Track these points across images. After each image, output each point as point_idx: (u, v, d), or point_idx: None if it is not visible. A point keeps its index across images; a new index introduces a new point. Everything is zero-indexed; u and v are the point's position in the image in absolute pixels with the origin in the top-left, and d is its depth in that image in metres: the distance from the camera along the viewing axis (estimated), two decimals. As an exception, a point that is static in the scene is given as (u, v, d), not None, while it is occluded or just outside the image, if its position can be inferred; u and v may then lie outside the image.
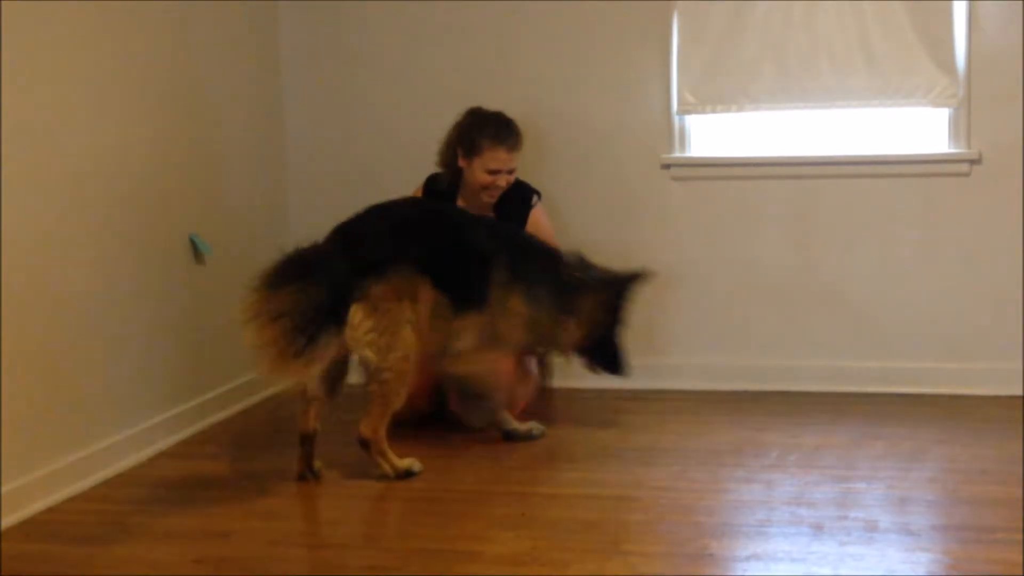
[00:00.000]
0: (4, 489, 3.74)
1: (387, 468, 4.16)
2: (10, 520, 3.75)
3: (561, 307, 4.43)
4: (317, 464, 4.23)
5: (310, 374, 4.03)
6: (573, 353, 4.56)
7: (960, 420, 4.67)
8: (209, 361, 4.88)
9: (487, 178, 4.84)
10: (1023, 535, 3.45)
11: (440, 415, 4.81)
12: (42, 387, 3.94)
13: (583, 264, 4.52)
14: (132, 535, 3.68)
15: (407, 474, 4.17)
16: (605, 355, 4.55)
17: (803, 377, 5.13)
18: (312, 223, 5.50)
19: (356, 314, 4.07)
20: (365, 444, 4.15)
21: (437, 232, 4.35)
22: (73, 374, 4.09)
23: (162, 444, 4.52)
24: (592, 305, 4.46)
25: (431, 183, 5.04)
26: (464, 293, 4.29)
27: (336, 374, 4.21)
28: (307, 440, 4.21)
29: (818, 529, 3.60)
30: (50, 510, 3.89)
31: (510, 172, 4.87)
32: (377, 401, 4.13)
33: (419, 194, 5.05)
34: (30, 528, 3.76)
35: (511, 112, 4.98)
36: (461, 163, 4.88)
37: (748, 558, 3.40)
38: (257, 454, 4.47)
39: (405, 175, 5.26)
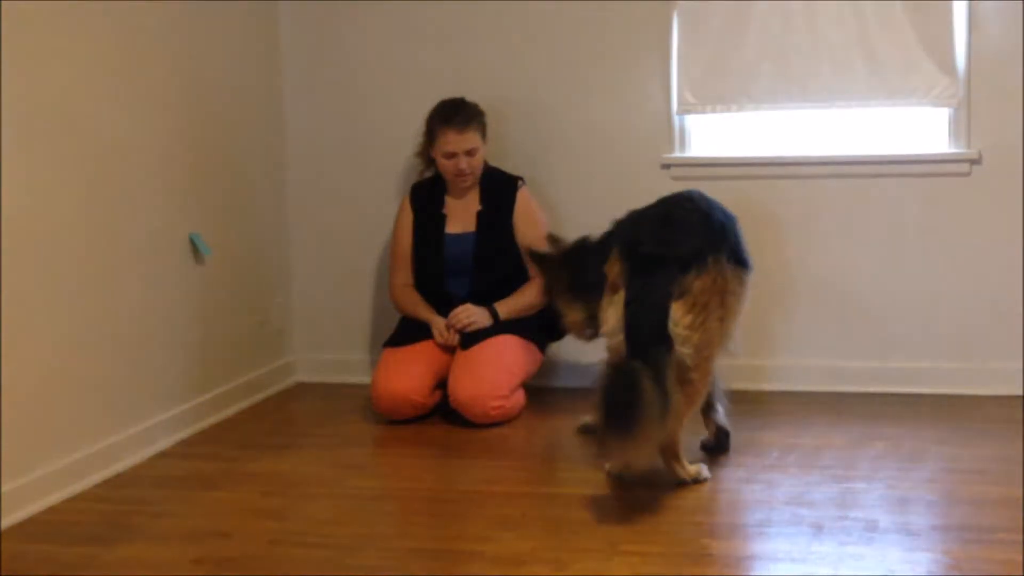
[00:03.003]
0: (4, 489, 3.74)
1: (681, 472, 3.96)
2: (10, 520, 3.75)
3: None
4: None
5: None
6: None
7: (960, 420, 4.66)
8: (209, 361, 4.88)
9: (447, 163, 4.82)
10: (1023, 535, 3.45)
11: (442, 410, 4.81)
12: (42, 387, 3.94)
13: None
14: (132, 535, 3.68)
15: (695, 480, 3.99)
16: None
17: (803, 377, 5.12)
18: (312, 223, 5.55)
19: (676, 311, 3.88)
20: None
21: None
22: (73, 374, 4.09)
23: (162, 444, 4.52)
24: None
25: (415, 191, 5.04)
26: None
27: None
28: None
29: (818, 529, 3.59)
30: (50, 510, 3.89)
31: (469, 153, 4.81)
32: (683, 402, 3.85)
33: (407, 205, 5.04)
34: (30, 528, 3.76)
35: (512, 111, 4.98)
36: (433, 155, 4.89)
37: (748, 558, 3.40)
38: (257, 454, 4.47)
39: (405, 175, 5.27)
